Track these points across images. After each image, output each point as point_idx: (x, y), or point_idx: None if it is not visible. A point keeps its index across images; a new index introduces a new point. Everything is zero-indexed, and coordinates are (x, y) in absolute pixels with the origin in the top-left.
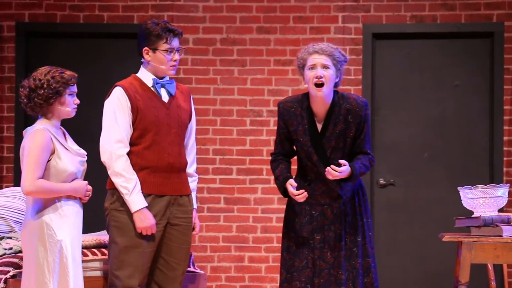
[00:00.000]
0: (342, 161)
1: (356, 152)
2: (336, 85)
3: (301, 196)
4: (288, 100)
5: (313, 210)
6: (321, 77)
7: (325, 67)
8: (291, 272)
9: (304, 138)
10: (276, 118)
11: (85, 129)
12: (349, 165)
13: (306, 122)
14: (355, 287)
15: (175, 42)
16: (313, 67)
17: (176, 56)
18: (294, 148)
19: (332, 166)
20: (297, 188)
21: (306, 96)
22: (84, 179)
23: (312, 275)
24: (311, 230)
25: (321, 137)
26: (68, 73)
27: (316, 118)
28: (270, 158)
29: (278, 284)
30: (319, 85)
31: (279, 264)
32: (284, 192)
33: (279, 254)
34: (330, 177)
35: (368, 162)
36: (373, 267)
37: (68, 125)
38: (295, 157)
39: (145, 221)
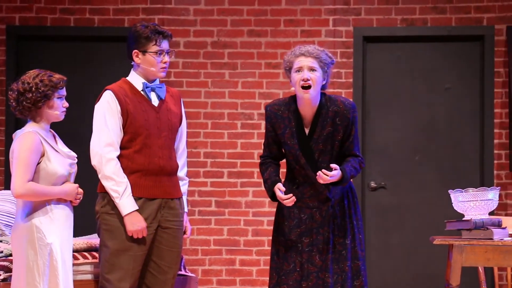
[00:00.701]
0: (333, 165)
1: (345, 155)
2: (323, 87)
3: (289, 200)
4: (276, 102)
5: (302, 213)
6: (307, 80)
7: (311, 69)
8: (280, 275)
9: (291, 141)
10: None
11: (75, 133)
12: (340, 169)
13: (293, 125)
14: None
15: (165, 44)
16: (299, 69)
17: (166, 58)
18: (283, 150)
19: (323, 170)
20: (286, 192)
21: (294, 98)
22: (75, 182)
23: (300, 279)
24: (300, 233)
25: (309, 140)
26: (56, 76)
27: (303, 121)
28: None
29: None
30: (306, 88)
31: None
32: (273, 196)
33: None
34: (321, 181)
35: (358, 164)
36: (362, 270)
37: (59, 128)
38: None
39: (136, 224)
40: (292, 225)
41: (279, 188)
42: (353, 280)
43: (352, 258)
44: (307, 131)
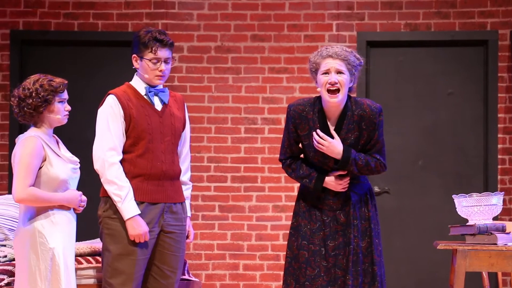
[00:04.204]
0: (334, 135)
1: None
2: (349, 89)
3: (345, 183)
4: (300, 103)
5: (324, 216)
6: (335, 83)
7: (339, 72)
8: (301, 282)
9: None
10: (271, 126)
11: (78, 137)
12: (346, 148)
13: (318, 127)
14: None
15: (163, 53)
16: (327, 72)
17: (162, 67)
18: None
19: (318, 131)
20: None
21: (319, 99)
22: (78, 187)
23: (326, 284)
24: (324, 237)
25: None
26: (57, 80)
27: (328, 122)
28: (267, 165)
29: None
30: (333, 91)
31: (275, 272)
32: (317, 187)
33: (274, 262)
34: (315, 143)
35: (372, 161)
36: (379, 275)
37: (62, 133)
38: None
39: (138, 229)
40: (315, 228)
41: (333, 175)
42: (370, 285)
43: (366, 262)
44: (333, 133)
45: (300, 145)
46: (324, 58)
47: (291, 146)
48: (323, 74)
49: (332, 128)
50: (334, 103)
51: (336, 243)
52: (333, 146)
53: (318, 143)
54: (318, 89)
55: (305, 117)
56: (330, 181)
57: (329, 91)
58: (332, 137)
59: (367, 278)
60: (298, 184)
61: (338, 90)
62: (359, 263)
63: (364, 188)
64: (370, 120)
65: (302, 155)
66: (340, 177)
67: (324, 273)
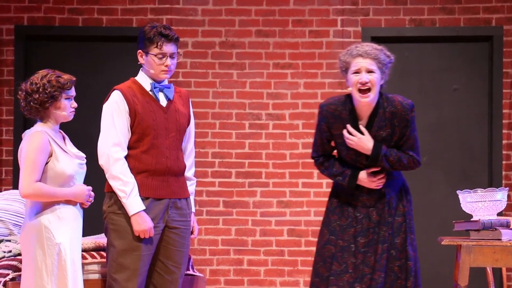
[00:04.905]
0: (363, 129)
1: None
2: (380, 87)
3: (380, 181)
4: (332, 102)
5: (357, 212)
6: (366, 83)
7: (370, 71)
8: (324, 276)
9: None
10: (276, 122)
11: (83, 133)
12: (376, 144)
13: (351, 125)
14: None
15: (168, 47)
16: (357, 71)
17: (168, 62)
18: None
19: (348, 127)
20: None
21: (350, 98)
22: (83, 182)
23: (352, 281)
24: (354, 234)
25: None
26: (65, 77)
27: (358, 120)
28: (272, 161)
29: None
30: (364, 91)
31: (279, 267)
32: (351, 184)
33: (278, 258)
34: (349, 141)
35: (405, 157)
36: (413, 270)
37: (67, 129)
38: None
39: (143, 224)
40: (346, 225)
41: (367, 172)
42: (406, 281)
43: (403, 258)
44: (363, 130)
45: (333, 143)
46: (354, 57)
47: (324, 144)
48: (353, 73)
49: (362, 125)
50: (365, 102)
51: (366, 240)
52: (363, 141)
53: (347, 138)
54: (349, 89)
55: (338, 117)
56: (364, 178)
57: (360, 90)
58: (363, 134)
59: (403, 274)
60: (302, 180)
61: (369, 90)
62: (394, 260)
63: (398, 183)
64: (402, 116)
65: (335, 152)
66: (373, 174)
67: (352, 270)
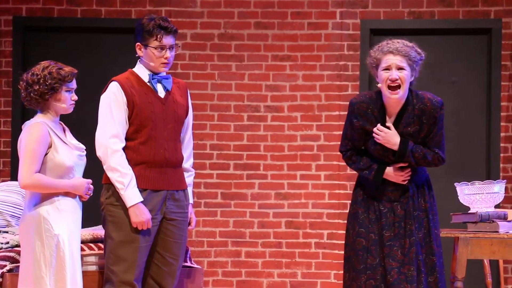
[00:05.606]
0: (390, 126)
1: None
2: (410, 84)
3: (405, 175)
4: (363, 100)
5: (382, 206)
6: (396, 80)
7: (400, 68)
8: (358, 269)
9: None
10: (274, 114)
11: (81, 124)
12: (403, 139)
13: (380, 122)
14: (418, 285)
15: (167, 40)
16: (388, 68)
17: (168, 54)
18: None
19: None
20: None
21: (379, 94)
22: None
23: (384, 273)
24: (380, 227)
25: None
26: (66, 69)
27: (386, 116)
28: (270, 153)
29: (276, 279)
30: (394, 88)
31: (276, 259)
32: (377, 178)
33: (276, 249)
34: (378, 137)
35: (430, 154)
36: (438, 266)
37: (65, 120)
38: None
39: (141, 216)
40: (373, 218)
41: (394, 167)
42: (427, 276)
43: (427, 253)
44: (389, 126)
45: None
46: (385, 54)
47: (354, 140)
48: (384, 70)
49: (390, 121)
50: (394, 99)
51: (391, 234)
52: (390, 136)
53: (375, 133)
54: (379, 85)
55: (370, 114)
56: (391, 173)
57: (389, 87)
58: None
59: (426, 269)
60: (300, 172)
61: (398, 87)
62: (418, 254)
63: (422, 178)
64: (431, 114)
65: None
66: (401, 169)
67: (384, 263)
